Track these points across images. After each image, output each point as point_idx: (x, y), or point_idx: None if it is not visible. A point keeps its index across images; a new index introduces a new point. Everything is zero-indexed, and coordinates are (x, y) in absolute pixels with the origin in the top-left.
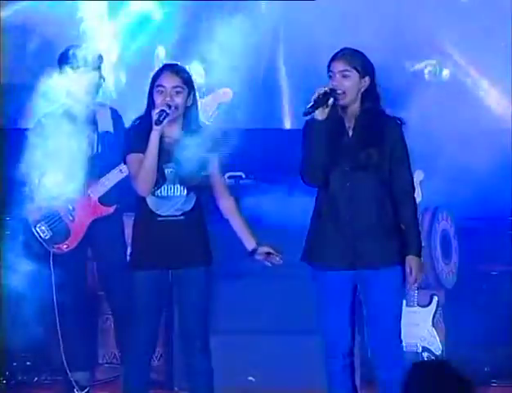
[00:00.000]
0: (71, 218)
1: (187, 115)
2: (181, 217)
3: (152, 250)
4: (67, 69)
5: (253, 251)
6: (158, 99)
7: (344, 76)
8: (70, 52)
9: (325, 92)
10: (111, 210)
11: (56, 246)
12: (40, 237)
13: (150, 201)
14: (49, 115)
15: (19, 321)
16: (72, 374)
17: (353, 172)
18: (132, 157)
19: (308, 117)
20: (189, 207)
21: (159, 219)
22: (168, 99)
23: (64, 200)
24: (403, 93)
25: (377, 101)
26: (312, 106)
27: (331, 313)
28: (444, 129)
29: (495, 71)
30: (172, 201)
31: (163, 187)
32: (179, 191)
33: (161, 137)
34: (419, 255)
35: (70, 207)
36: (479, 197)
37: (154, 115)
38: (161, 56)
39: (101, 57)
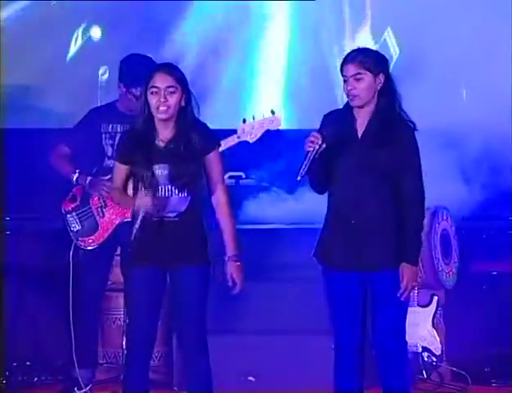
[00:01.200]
0: (101, 214)
1: (181, 116)
2: (176, 218)
3: (148, 250)
4: (125, 81)
5: (228, 258)
6: (152, 100)
7: (358, 79)
8: (131, 64)
9: (315, 148)
10: None
11: (81, 238)
12: (69, 227)
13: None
14: (97, 110)
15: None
16: (76, 371)
17: (359, 175)
18: (115, 166)
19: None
20: (183, 208)
21: (154, 219)
22: (162, 100)
23: (97, 195)
24: None
25: (393, 97)
26: (306, 167)
27: (340, 311)
28: (444, 129)
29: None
30: (166, 202)
31: (155, 189)
32: (172, 192)
33: (154, 139)
34: (414, 264)
35: (103, 203)
36: (479, 197)
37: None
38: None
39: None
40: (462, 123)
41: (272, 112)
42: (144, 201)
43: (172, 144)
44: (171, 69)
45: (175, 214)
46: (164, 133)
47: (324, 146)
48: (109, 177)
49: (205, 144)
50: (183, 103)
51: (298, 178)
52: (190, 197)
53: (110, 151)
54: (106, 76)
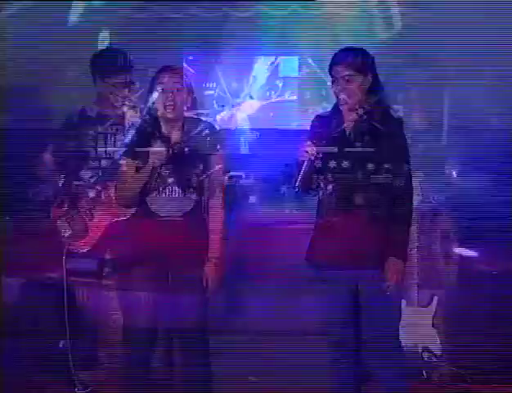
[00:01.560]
0: (90, 216)
1: (187, 117)
2: (181, 218)
3: (151, 249)
4: (101, 73)
5: (207, 259)
6: (159, 98)
7: (348, 81)
8: (105, 56)
9: (310, 159)
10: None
11: (72, 242)
12: (59, 232)
13: (149, 201)
14: (80, 114)
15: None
16: (76, 373)
17: (348, 173)
18: (124, 165)
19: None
20: (188, 208)
21: (159, 219)
22: (170, 96)
23: (85, 198)
24: None
25: (381, 95)
26: (301, 178)
27: (333, 311)
28: (445, 128)
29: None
30: (172, 202)
31: (161, 189)
32: (177, 192)
33: (159, 140)
34: (400, 258)
35: (91, 205)
36: (479, 197)
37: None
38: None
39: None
40: (462, 119)
41: (251, 97)
42: (158, 152)
43: (178, 145)
44: (176, 68)
45: (181, 214)
46: (170, 134)
47: (320, 155)
48: (94, 179)
49: (209, 145)
50: (188, 104)
51: (296, 189)
52: (196, 197)
53: (93, 153)
54: (107, 43)
